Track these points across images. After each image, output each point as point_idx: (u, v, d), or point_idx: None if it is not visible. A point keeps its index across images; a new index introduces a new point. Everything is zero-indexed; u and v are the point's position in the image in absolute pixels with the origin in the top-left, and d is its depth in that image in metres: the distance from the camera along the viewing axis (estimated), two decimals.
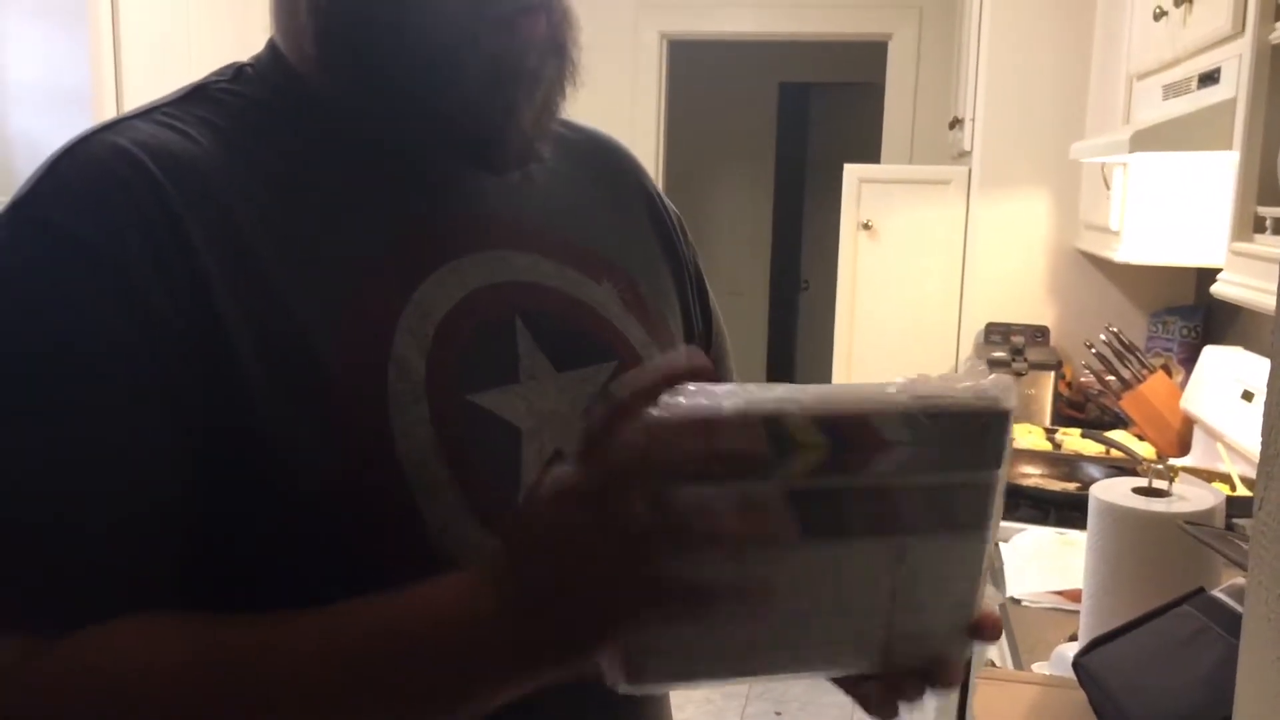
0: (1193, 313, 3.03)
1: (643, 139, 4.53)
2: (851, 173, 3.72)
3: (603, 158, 0.89)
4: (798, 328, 6.79)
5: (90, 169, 0.64)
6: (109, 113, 2.79)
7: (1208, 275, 1.83)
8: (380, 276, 0.69)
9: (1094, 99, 3.09)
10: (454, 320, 0.70)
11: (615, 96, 4.47)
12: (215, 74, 0.75)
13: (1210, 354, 2.58)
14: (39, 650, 0.57)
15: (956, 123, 3.88)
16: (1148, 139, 1.99)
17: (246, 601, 0.60)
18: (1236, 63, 1.70)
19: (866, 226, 3.66)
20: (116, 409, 0.60)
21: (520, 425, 0.70)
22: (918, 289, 3.61)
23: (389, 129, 0.72)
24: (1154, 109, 2.27)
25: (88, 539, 0.59)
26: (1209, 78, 1.89)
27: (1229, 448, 2.26)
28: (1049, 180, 3.31)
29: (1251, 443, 2.12)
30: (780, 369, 6.61)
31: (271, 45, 0.75)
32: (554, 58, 0.71)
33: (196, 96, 0.72)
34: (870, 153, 4.56)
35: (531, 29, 0.69)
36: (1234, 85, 1.71)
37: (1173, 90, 2.14)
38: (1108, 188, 2.65)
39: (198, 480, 0.62)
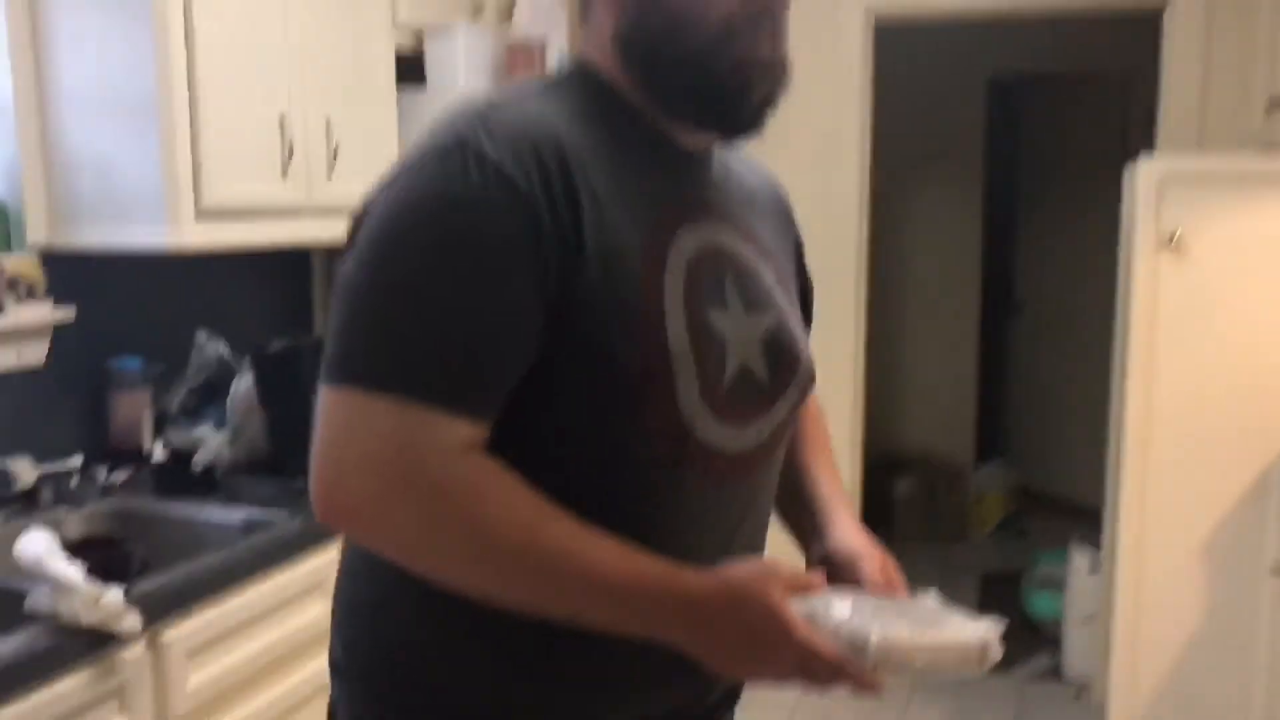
0: None
1: (843, 131, 3.81)
2: (1150, 171, 2.79)
3: (770, 187, 1.30)
4: (1010, 356, 5.84)
5: (505, 128, 1.01)
6: (180, 125, 2.14)
7: None
8: (659, 224, 1.07)
9: None
10: (695, 261, 1.07)
11: (814, 83, 3.78)
12: (548, 77, 1.14)
13: None
14: (474, 442, 0.98)
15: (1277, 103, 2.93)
16: None
17: (532, 430, 1.02)
18: None
19: (1173, 243, 2.73)
20: (515, 287, 0.98)
21: (727, 339, 1.08)
22: (1248, 326, 2.68)
23: (666, 119, 1.11)
24: None
25: (494, 356, 0.98)
26: None
27: None
28: None
29: None
30: (991, 410, 5.68)
31: (578, 58, 1.14)
32: (781, 57, 1.10)
33: (546, 92, 1.10)
34: (1099, 155, 3.65)
35: (769, 35, 1.08)
36: None
37: None
38: None
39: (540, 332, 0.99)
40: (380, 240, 0.97)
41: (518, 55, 3.06)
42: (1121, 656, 2.89)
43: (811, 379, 1.17)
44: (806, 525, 1.23)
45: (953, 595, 1.20)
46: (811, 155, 3.80)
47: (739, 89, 1.06)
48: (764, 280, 1.13)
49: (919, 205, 5.36)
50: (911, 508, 5.20)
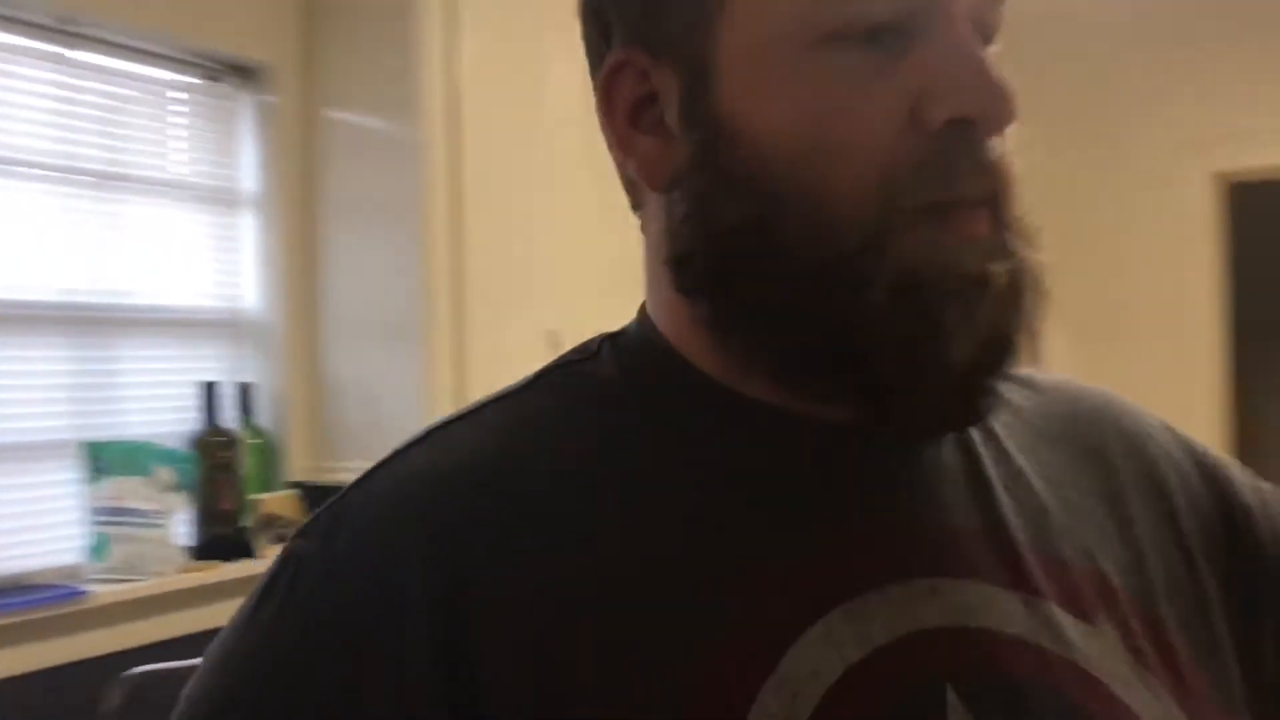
0: None
1: (1192, 314, 3.30)
2: None
3: (1082, 426, 0.62)
4: None
5: (359, 534, 0.52)
6: (442, 352, 1.96)
7: None
8: (737, 638, 0.49)
9: None
10: (842, 697, 0.48)
11: (1153, 255, 3.31)
12: (578, 349, 0.61)
13: None
14: None
15: None
16: None
17: None
18: None
19: None
20: None
21: None
22: None
23: (769, 383, 0.53)
24: None
25: None
26: None
27: None
28: None
29: None
30: None
31: (641, 311, 0.61)
32: (1003, 264, 0.50)
33: (543, 382, 0.59)
34: None
35: (968, 226, 0.50)
36: None
37: None
38: None
39: None
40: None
41: None
42: None
43: None
44: None
45: None
46: (1155, 331, 3.30)
47: (923, 333, 0.49)
48: (1089, 676, 0.52)
49: None
50: None
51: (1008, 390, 0.56)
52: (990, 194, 0.50)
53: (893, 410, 0.51)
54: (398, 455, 0.55)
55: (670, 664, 0.48)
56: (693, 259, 0.53)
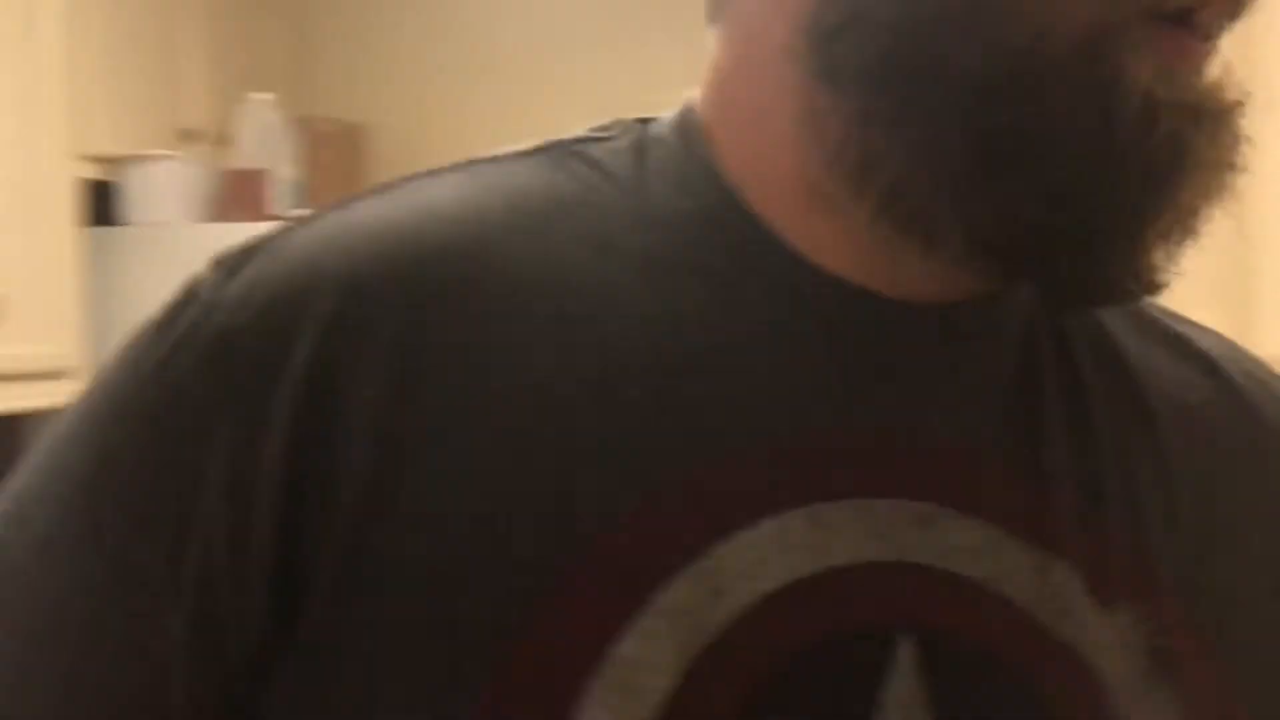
0: None
1: None
2: None
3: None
4: None
5: (302, 249, 0.43)
6: None
7: None
8: (664, 511, 0.40)
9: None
10: (764, 617, 0.39)
11: None
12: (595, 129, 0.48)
13: None
14: None
15: None
16: None
17: None
18: None
19: None
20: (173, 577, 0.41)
21: None
22: None
23: (891, 230, 0.41)
24: None
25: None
26: None
27: None
28: (1212, 295, 2.17)
29: None
30: None
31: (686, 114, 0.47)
32: (1233, 99, 0.40)
33: (537, 159, 0.46)
34: None
35: (1180, 54, 0.39)
36: None
37: None
38: None
39: None
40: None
41: (236, 186, 2.85)
42: None
43: None
44: None
45: None
46: None
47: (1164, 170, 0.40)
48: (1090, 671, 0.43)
49: None
50: None
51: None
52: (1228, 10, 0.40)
53: (1061, 270, 0.41)
54: (347, 202, 0.46)
55: (587, 515, 0.39)
56: (865, 25, 0.40)
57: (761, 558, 0.39)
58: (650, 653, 0.38)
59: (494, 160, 0.47)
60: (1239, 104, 0.40)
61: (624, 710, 0.37)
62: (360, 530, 0.38)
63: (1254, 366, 0.51)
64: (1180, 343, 0.49)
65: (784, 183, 0.42)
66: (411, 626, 0.38)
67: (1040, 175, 0.38)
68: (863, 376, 0.43)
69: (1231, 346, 0.51)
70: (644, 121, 0.47)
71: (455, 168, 0.46)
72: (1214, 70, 0.40)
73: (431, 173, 0.46)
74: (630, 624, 0.38)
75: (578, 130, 0.47)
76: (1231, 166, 0.40)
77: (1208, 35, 0.40)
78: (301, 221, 0.45)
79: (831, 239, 0.42)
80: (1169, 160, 0.38)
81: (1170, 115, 0.38)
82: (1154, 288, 0.41)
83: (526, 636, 0.38)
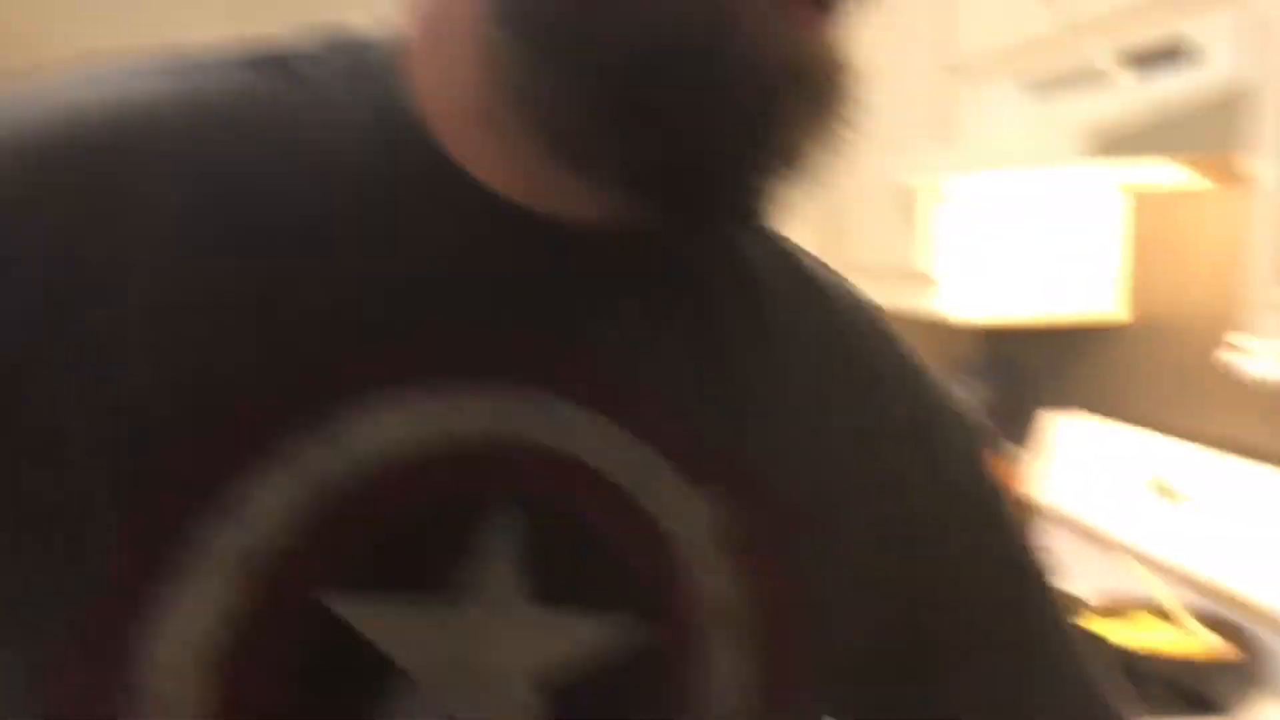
0: (989, 371, 2.43)
1: None
2: None
3: (822, 325, 0.55)
4: None
5: None
6: None
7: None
8: (235, 412, 0.41)
9: (872, 102, 2.34)
10: (382, 481, 0.42)
11: None
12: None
13: (1065, 428, 2.12)
14: None
15: None
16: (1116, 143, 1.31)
17: None
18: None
19: None
20: None
21: (407, 662, 0.42)
22: None
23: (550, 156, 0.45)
24: (1006, 113, 1.76)
25: None
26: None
27: (1150, 566, 1.78)
28: (802, 208, 2.56)
29: (1193, 562, 1.74)
30: None
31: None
32: (823, 47, 0.45)
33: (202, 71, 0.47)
34: None
35: (792, 19, 0.43)
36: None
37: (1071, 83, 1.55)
38: (913, 220, 2.06)
39: None
40: None
41: None
42: None
43: None
44: None
45: None
46: None
47: (761, 114, 0.45)
48: (665, 538, 0.48)
49: None
50: None
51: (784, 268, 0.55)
52: None
53: (685, 196, 0.46)
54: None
55: (205, 406, 0.41)
56: None
57: (378, 420, 0.42)
58: (267, 495, 0.41)
59: (200, 63, 0.48)
60: (841, 66, 0.45)
61: (236, 539, 0.40)
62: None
63: (859, 317, 0.57)
64: (805, 279, 0.56)
65: (458, 105, 0.46)
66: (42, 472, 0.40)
67: (669, 119, 0.43)
68: (510, 285, 0.46)
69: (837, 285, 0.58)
70: (361, 41, 0.50)
71: (161, 66, 0.47)
72: (823, 35, 0.45)
73: (132, 69, 0.47)
74: (250, 468, 0.41)
75: (294, 41, 0.50)
76: (830, 120, 0.45)
77: (823, 5, 0.44)
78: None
79: (499, 161, 0.46)
80: (772, 110, 0.43)
81: (776, 72, 0.43)
82: (757, 214, 0.47)
83: (157, 479, 0.40)
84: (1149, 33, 1.40)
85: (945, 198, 1.94)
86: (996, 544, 0.57)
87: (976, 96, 1.83)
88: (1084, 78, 1.52)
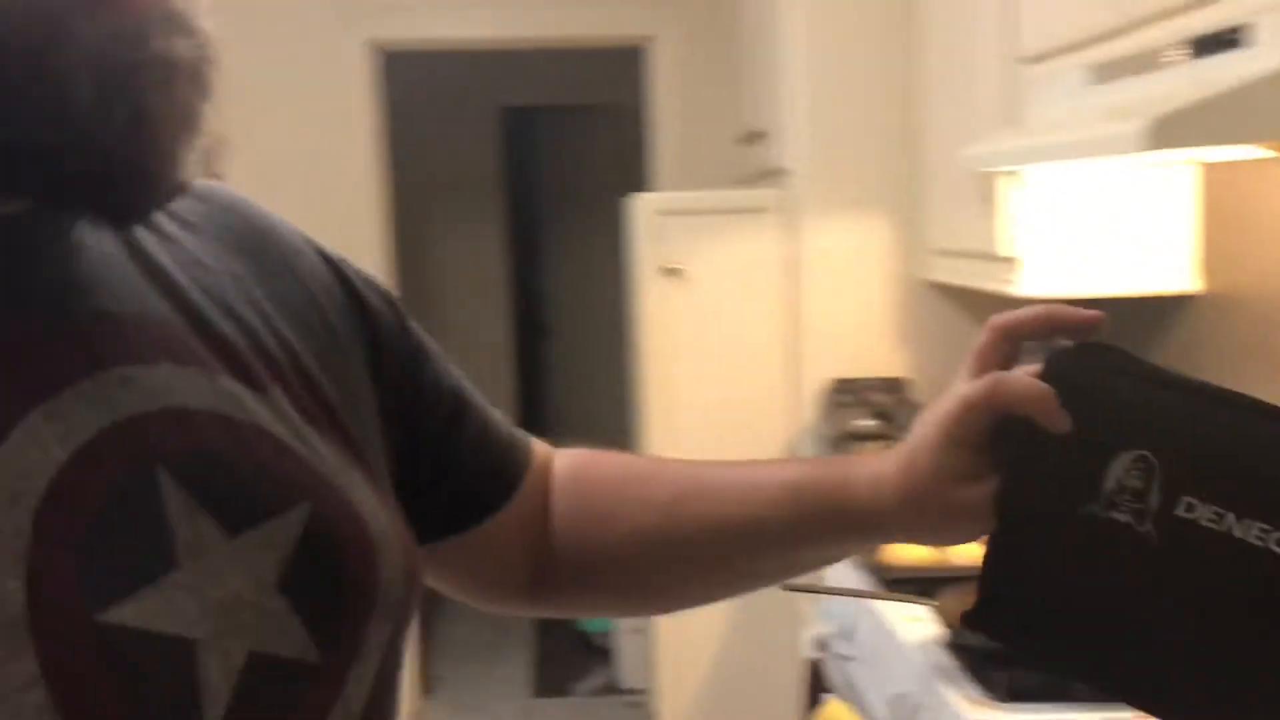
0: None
1: (354, 165, 3.68)
2: (645, 205, 2.91)
3: (240, 221, 0.64)
4: (548, 382, 5.97)
5: None
6: None
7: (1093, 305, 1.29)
8: None
9: (944, 93, 2.49)
10: (60, 497, 0.47)
11: (314, 118, 3.61)
12: None
13: None
14: None
15: (755, 137, 3.19)
16: (1175, 131, 1.33)
17: None
18: None
19: (673, 271, 2.85)
20: None
21: (192, 634, 0.48)
22: (740, 342, 2.89)
23: None
24: (1070, 99, 1.79)
25: None
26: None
27: None
28: (884, 199, 2.72)
29: None
30: (533, 431, 5.69)
31: None
32: (181, 39, 0.48)
33: None
34: (608, 186, 3.99)
35: (123, 13, 0.46)
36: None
37: (1138, 65, 1.59)
38: (992, 204, 2.10)
39: None
40: None
41: None
42: (665, 664, 3.02)
43: (411, 581, 0.60)
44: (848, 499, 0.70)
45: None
46: (321, 193, 3.52)
47: (133, 122, 0.48)
48: (270, 436, 0.56)
49: (443, 235, 5.35)
50: None
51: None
52: None
53: (89, 199, 0.50)
54: None
55: None
56: None
57: (25, 459, 0.47)
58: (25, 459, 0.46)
59: None
60: (198, 50, 0.48)
61: None
62: None
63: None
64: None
65: None
66: None
67: (20, 125, 0.46)
68: (21, 288, 0.51)
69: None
70: None
71: None
72: (162, 21, 0.47)
73: None
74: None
75: None
76: (194, 103, 0.49)
77: None
78: None
79: None
80: (131, 109, 0.46)
81: (122, 71, 0.45)
82: (164, 203, 0.53)
83: None
84: (1210, 18, 1.44)
85: (1021, 182, 2.00)
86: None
87: (1042, 84, 1.89)
88: (1147, 64, 1.57)
